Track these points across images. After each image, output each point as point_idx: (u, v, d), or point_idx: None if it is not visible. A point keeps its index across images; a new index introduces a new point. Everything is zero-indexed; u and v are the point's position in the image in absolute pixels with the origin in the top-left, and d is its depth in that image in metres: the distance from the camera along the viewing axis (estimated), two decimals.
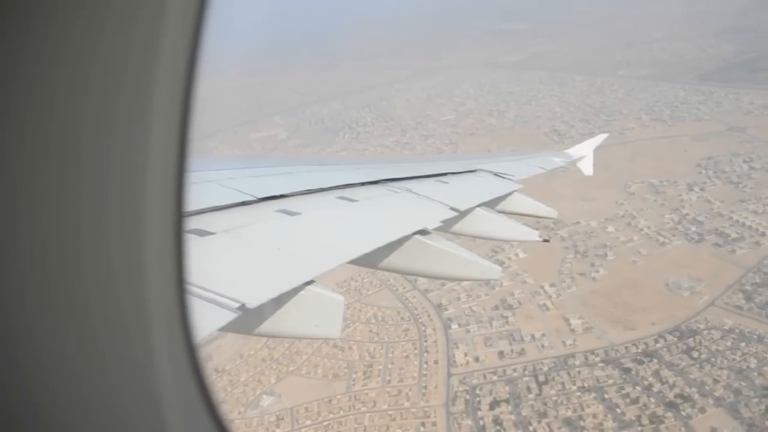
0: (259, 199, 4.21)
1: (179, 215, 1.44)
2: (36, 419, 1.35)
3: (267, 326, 3.15)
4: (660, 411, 38.79)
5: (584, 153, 11.31)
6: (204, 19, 1.30)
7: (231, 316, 2.56)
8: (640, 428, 37.80)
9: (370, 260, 4.28)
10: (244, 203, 4.05)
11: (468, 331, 52.08)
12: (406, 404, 45.20)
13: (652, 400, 39.93)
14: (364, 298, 60.47)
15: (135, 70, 1.21)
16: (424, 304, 57.53)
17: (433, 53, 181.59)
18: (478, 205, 5.81)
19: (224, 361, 54.34)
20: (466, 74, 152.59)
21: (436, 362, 49.19)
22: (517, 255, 61.91)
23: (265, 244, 3.64)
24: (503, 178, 7.38)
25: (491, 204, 6.29)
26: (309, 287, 3.17)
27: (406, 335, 53.62)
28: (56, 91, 1.18)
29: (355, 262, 3.95)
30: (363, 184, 5.49)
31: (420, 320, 55.27)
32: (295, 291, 3.12)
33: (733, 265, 52.73)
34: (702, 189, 67.58)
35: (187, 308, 1.55)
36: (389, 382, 47.98)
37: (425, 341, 52.12)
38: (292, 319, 3.17)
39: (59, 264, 1.27)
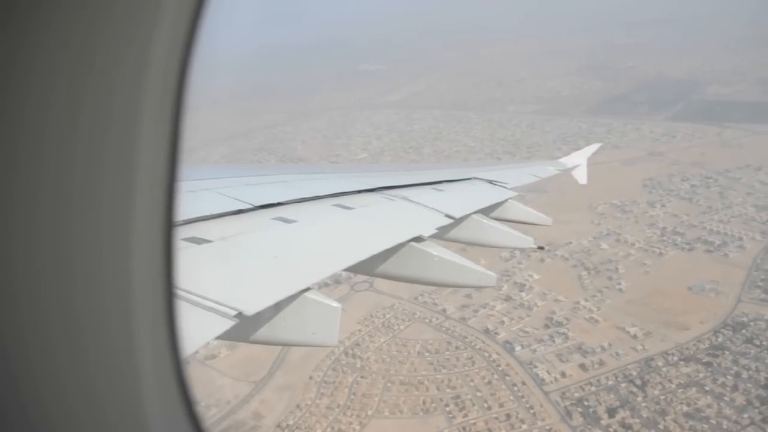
0: (255, 207, 4.29)
1: (170, 221, 1.49)
2: (23, 418, 1.37)
3: (264, 333, 3.19)
4: (763, 393, 44.67)
5: (578, 162, 11.34)
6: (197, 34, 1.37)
7: (229, 324, 2.62)
8: (757, 409, 43.34)
9: (365, 267, 4.40)
10: (240, 211, 4.15)
11: (534, 350, 54.12)
12: (524, 427, 46.19)
13: (749, 385, 45.54)
14: (399, 334, 59.97)
15: (124, 76, 1.27)
16: (469, 332, 58.45)
17: (297, 95, 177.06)
18: (473, 213, 5.93)
19: (282, 415, 50.90)
20: (351, 114, 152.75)
21: (523, 383, 50.57)
22: (531, 276, 66.03)
23: (261, 251, 3.69)
24: (498, 185, 7.54)
25: (486, 211, 6.41)
26: (306, 294, 3.22)
27: (473, 363, 54.64)
28: (29, 93, 1.21)
29: (351, 269, 4.09)
30: (359, 191, 5.57)
31: (477, 347, 56.31)
32: (292, 298, 3.16)
33: (733, 267, 60.53)
34: (663, 205, 75.65)
35: (174, 313, 1.60)
36: (489, 408, 48.45)
37: (498, 365, 53.57)
38: (289, 327, 3.21)
39: (50, 265, 1.31)
